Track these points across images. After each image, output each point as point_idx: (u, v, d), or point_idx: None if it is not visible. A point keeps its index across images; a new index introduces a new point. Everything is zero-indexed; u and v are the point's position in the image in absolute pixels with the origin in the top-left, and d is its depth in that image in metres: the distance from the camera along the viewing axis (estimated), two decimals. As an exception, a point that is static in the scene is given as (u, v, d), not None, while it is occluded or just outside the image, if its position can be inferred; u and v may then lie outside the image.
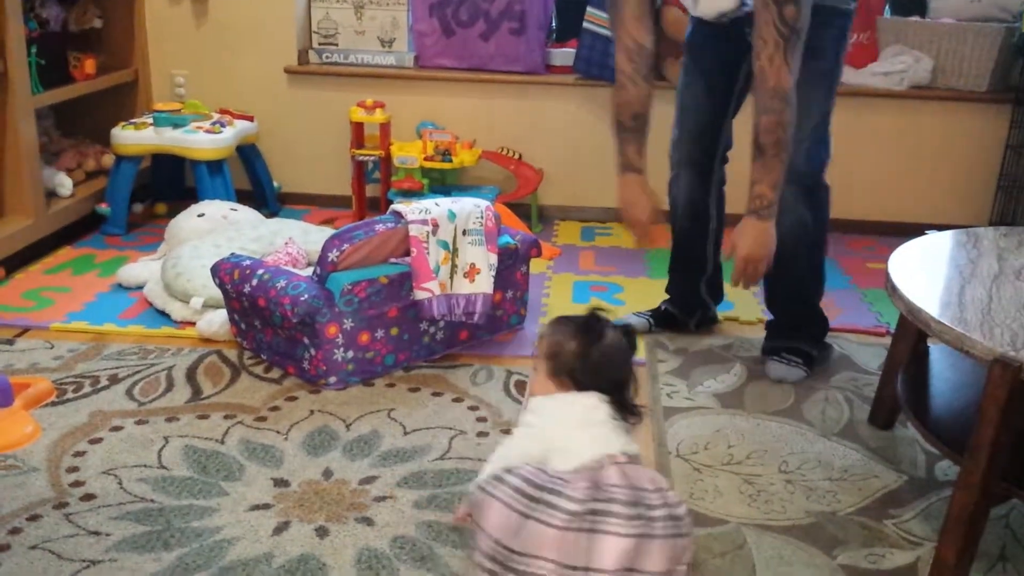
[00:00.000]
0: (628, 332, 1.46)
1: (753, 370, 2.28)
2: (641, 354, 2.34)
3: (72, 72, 3.08)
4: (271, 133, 3.41)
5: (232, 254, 2.28)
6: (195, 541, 1.57)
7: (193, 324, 2.36)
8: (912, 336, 1.90)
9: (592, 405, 1.40)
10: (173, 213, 2.93)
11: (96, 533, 1.59)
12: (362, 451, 1.86)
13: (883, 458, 1.91)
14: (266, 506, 1.68)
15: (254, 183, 3.33)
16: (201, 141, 3.02)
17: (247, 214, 2.85)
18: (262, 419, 1.97)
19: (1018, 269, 1.76)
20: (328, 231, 2.70)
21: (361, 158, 3.22)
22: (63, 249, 2.94)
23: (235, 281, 2.15)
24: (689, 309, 2.48)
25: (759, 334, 2.45)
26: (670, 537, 1.29)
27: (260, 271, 2.14)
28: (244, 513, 1.65)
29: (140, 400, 2.03)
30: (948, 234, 1.98)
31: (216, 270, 2.22)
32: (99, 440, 1.87)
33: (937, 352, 1.95)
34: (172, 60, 3.43)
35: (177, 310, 2.40)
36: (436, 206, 2.22)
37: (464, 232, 2.24)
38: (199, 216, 2.77)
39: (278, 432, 1.92)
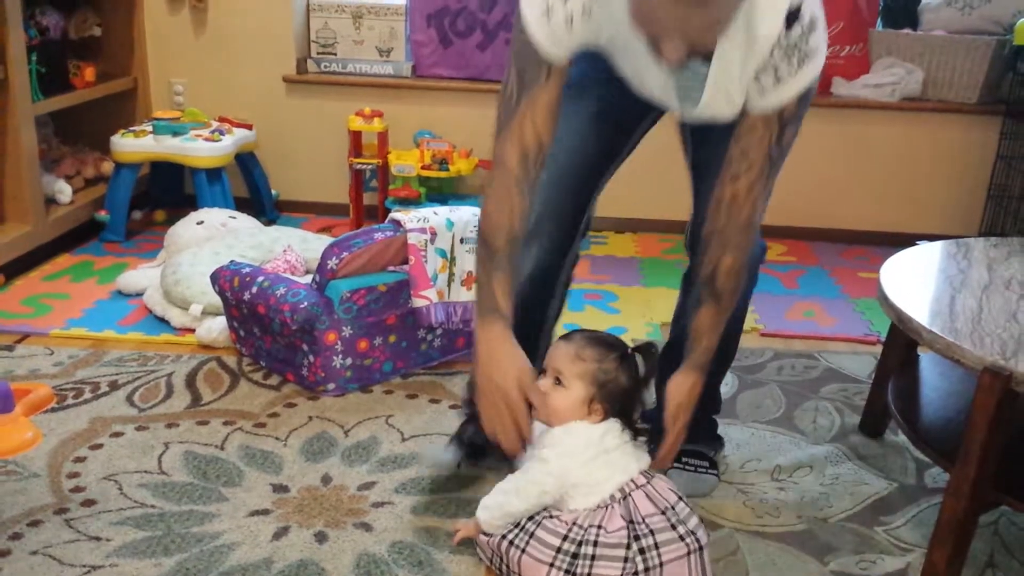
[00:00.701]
0: (653, 354, 1.48)
1: (744, 380, 2.31)
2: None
3: (72, 80, 3.11)
4: (269, 141, 3.43)
5: (231, 261, 2.30)
6: (195, 546, 1.59)
7: (192, 331, 2.38)
8: (903, 345, 1.93)
9: (606, 430, 1.45)
10: (172, 220, 2.95)
11: (97, 538, 1.61)
12: (360, 457, 1.88)
13: (873, 465, 1.94)
14: (265, 512, 1.69)
15: (252, 191, 3.36)
16: (200, 149, 3.04)
17: (246, 222, 2.87)
18: (261, 425, 1.99)
19: (1008, 279, 1.79)
20: (326, 239, 2.72)
21: (359, 166, 3.25)
22: (62, 256, 2.95)
23: (235, 288, 2.17)
24: None
25: (752, 344, 2.48)
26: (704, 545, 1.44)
27: (260, 278, 2.16)
28: (244, 519, 1.67)
29: (140, 406, 2.04)
30: (939, 244, 2.01)
31: (216, 277, 2.24)
32: (99, 446, 1.89)
33: (927, 361, 1.98)
34: (171, 68, 3.45)
35: (176, 317, 2.42)
36: (434, 215, 2.24)
37: (462, 240, 2.26)
38: (198, 224, 2.79)
39: (277, 438, 1.94)
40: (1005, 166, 3.29)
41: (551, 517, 1.46)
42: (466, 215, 2.29)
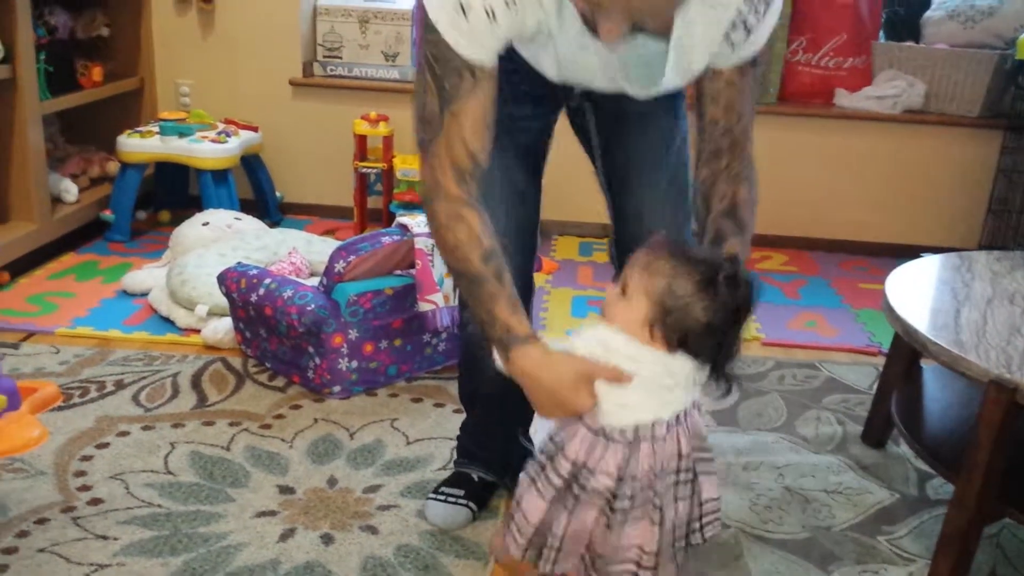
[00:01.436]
0: (752, 286, 1.19)
1: (747, 388, 2.32)
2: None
3: (79, 79, 3.11)
4: (275, 144, 3.44)
5: (238, 263, 2.31)
6: (202, 546, 1.60)
7: (198, 331, 2.39)
8: (906, 356, 1.95)
9: (678, 369, 1.21)
10: (176, 221, 2.96)
11: (104, 537, 1.61)
12: (366, 460, 1.89)
13: (876, 475, 1.95)
14: (272, 513, 1.70)
15: (257, 193, 3.37)
16: (206, 150, 3.05)
17: (251, 223, 2.88)
18: (267, 427, 2.00)
19: (1011, 293, 1.81)
20: (331, 242, 2.73)
21: (364, 170, 3.26)
22: (67, 255, 2.96)
23: (242, 290, 2.18)
24: (506, 466, 1.73)
25: (754, 352, 2.50)
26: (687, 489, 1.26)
27: (267, 280, 2.17)
28: (250, 519, 1.68)
29: (146, 406, 2.05)
30: (943, 257, 2.03)
31: (223, 279, 2.24)
32: (106, 445, 1.89)
33: (930, 372, 1.99)
34: (178, 69, 3.46)
35: (182, 317, 2.43)
36: (441, 220, 2.25)
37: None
38: (203, 225, 2.79)
39: (283, 440, 1.95)
40: (1006, 180, 3.31)
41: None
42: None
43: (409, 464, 1.88)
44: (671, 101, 1.53)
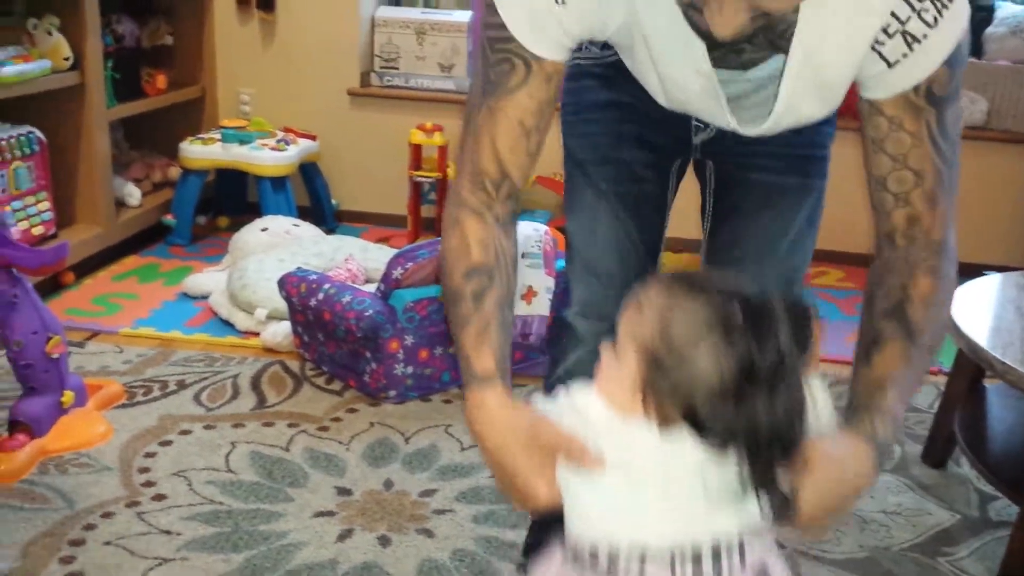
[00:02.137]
0: (804, 322, 0.81)
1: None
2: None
3: (144, 87, 3.19)
4: (332, 152, 3.49)
5: (298, 268, 2.35)
6: (262, 544, 1.63)
7: (257, 334, 2.43)
8: (969, 375, 1.92)
9: (680, 463, 0.79)
10: (234, 227, 3.01)
11: (167, 532, 1.65)
12: (421, 464, 1.91)
13: (936, 496, 1.92)
14: (330, 513, 1.72)
15: (314, 200, 3.42)
16: (266, 158, 3.11)
17: (308, 230, 2.93)
18: (324, 429, 2.02)
19: (1079, 313, 1.77)
20: (387, 249, 2.77)
21: (418, 179, 3.30)
22: (130, 257, 3.03)
23: (301, 294, 2.22)
24: None
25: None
26: None
27: (326, 286, 2.20)
28: (309, 519, 1.70)
29: (208, 406, 2.09)
30: (1007, 276, 2.00)
31: (283, 283, 2.28)
32: (169, 443, 1.93)
33: (993, 392, 1.96)
34: (239, 78, 3.53)
35: (241, 320, 2.47)
36: (498, 229, 2.27)
37: (523, 255, 2.29)
38: (263, 230, 2.85)
39: (340, 442, 1.97)
40: (1069, 199, 3.25)
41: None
42: (527, 230, 2.32)
43: (464, 470, 1.90)
44: (806, 163, 1.20)
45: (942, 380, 2.13)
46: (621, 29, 0.98)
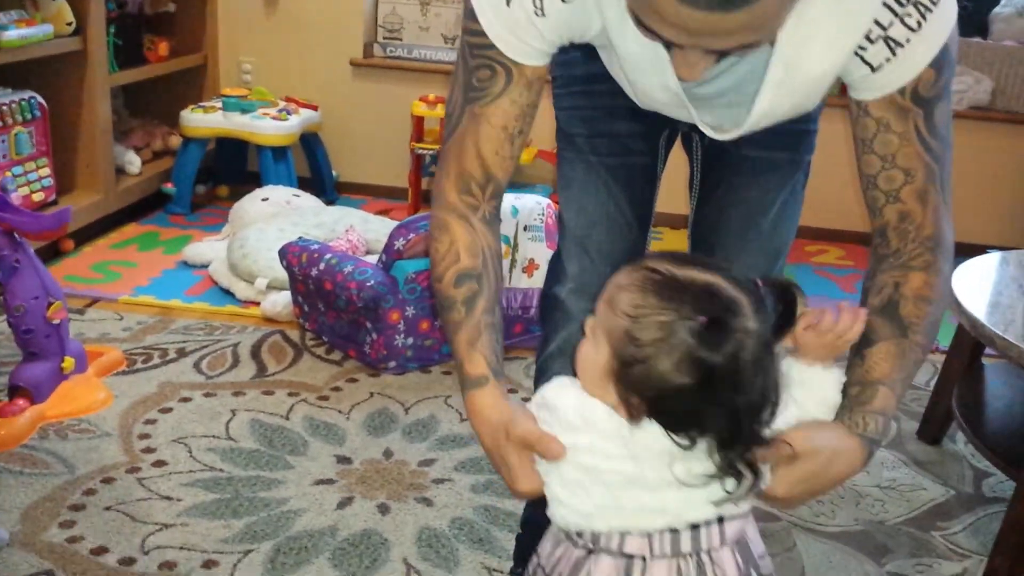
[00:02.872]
0: (789, 308, 0.85)
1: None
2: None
3: (146, 54, 3.17)
4: (333, 123, 3.48)
5: (299, 238, 2.35)
6: (263, 511, 1.63)
7: (257, 304, 2.43)
8: (967, 352, 1.92)
9: (646, 451, 0.82)
10: (234, 196, 3.01)
11: (168, 498, 1.66)
12: (420, 434, 1.92)
13: (931, 472, 1.93)
14: (330, 481, 1.73)
15: (314, 171, 3.41)
16: (267, 127, 3.10)
17: (309, 201, 2.92)
18: (324, 398, 2.03)
19: (1080, 292, 1.78)
20: (388, 221, 2.76)
21: (420, 151, 3.28)
22: (129, 225, 3.02)
23: (303, 264, 2.22)
24: None
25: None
26: None
27: (328, 256, 2.20)
28: (309, 487, 1.71)
29: (207, 374, 2.10)
30: (1009, 254, 2.00)
31: (284, 253, 2.28)
32: (169, 410, 1.94)
33: (992, 369, 1.97)
34: (241, 47, 3.51)
35: (242, 290, 2.47)
36: (500, 201, 2.26)
37: (525, 228, 2.29)
38: (263, 200, 2.84)
39: (340, 411, 1.98)
40: (1072, 180, 3.24)
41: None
42: (530, 203, 2.32)
43: (463, 440, 1.90)
44: (796, 138, 1.20)
45: (939, 359, 2.14)
46: (599, 36, 1.00)
